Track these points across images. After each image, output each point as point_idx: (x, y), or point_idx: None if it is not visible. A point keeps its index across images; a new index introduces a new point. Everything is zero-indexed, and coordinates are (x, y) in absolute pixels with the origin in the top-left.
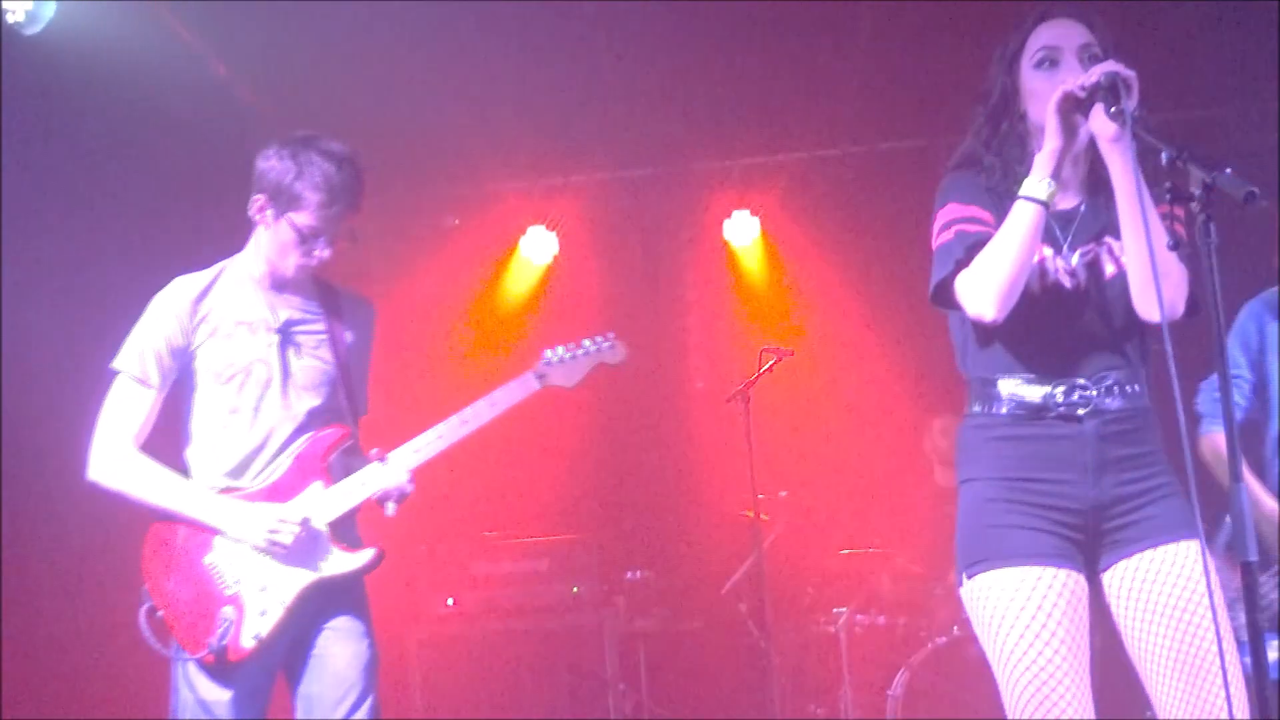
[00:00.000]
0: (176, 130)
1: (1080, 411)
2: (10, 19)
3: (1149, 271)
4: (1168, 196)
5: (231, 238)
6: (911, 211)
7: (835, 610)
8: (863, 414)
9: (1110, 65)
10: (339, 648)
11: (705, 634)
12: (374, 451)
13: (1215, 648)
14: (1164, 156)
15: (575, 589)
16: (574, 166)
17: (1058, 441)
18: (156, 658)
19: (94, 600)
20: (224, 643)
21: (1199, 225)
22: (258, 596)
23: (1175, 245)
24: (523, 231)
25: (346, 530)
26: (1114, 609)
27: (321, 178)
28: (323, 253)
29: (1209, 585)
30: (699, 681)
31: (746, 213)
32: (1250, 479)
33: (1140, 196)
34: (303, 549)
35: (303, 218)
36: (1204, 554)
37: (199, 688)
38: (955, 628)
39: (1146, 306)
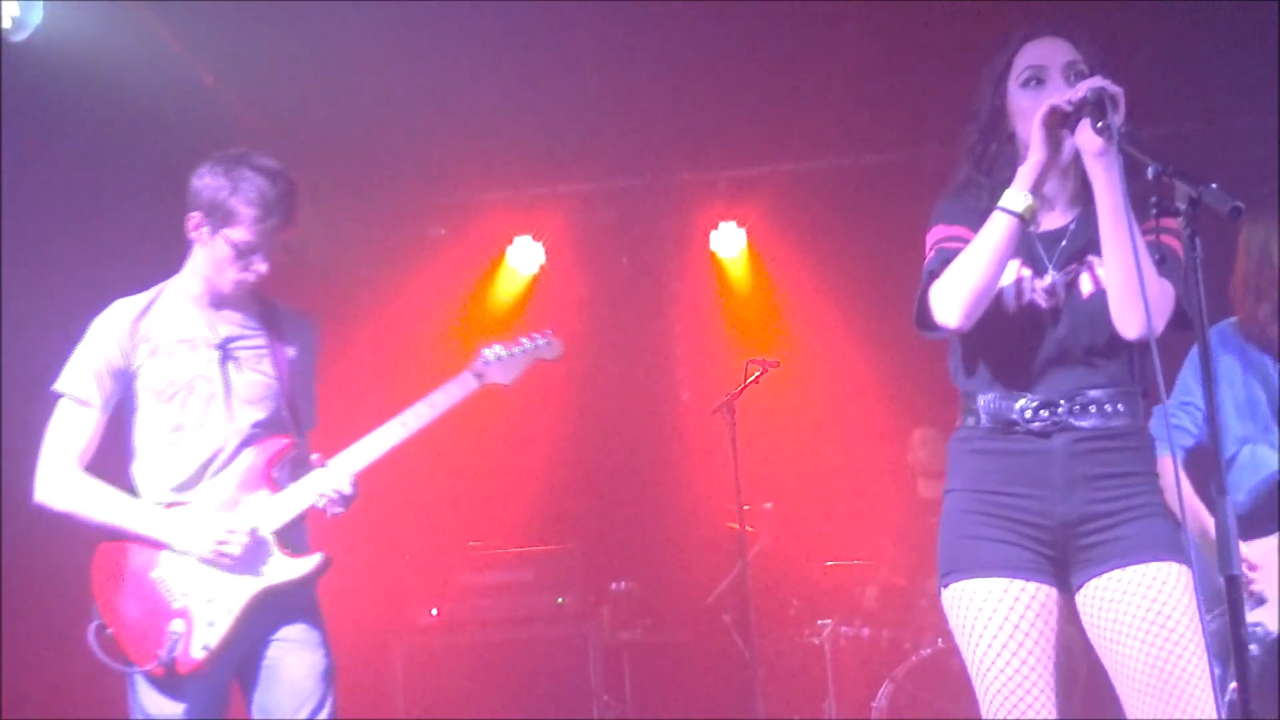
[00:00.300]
0: (164, 137)
1: (1049, 428)
2: None
3: (1127, 288)
4: (1154, 211)
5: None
6: (896, 223)
7: (820, 622)
8: (848, 426)
9: (1097, 81)
10: (294, 658)
11: (690, 645)
12: (315, 457)
13: (1188, 667)
14: (1150, 171)
15: (560, 600)
16: (560, 177)
17: (1026, 457)
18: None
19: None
20: (174, 655)
21: (1184, 240)
22: (205, 608)
23: (1162, 259)
24: (509, 241)
25: (294, 537)
26: (1086, 627)
27: (256, 193)
28: (260, 267)
29: (1199, 606)
30: (683, 693)
31: (733, 224)
32: (1198, 503)
33: (1125, 211)
34: (249, 558)
35: (238, 233)
36: (1193, 574)
37: (152, 703)
38: (940, 640)
39: (1124, 323)
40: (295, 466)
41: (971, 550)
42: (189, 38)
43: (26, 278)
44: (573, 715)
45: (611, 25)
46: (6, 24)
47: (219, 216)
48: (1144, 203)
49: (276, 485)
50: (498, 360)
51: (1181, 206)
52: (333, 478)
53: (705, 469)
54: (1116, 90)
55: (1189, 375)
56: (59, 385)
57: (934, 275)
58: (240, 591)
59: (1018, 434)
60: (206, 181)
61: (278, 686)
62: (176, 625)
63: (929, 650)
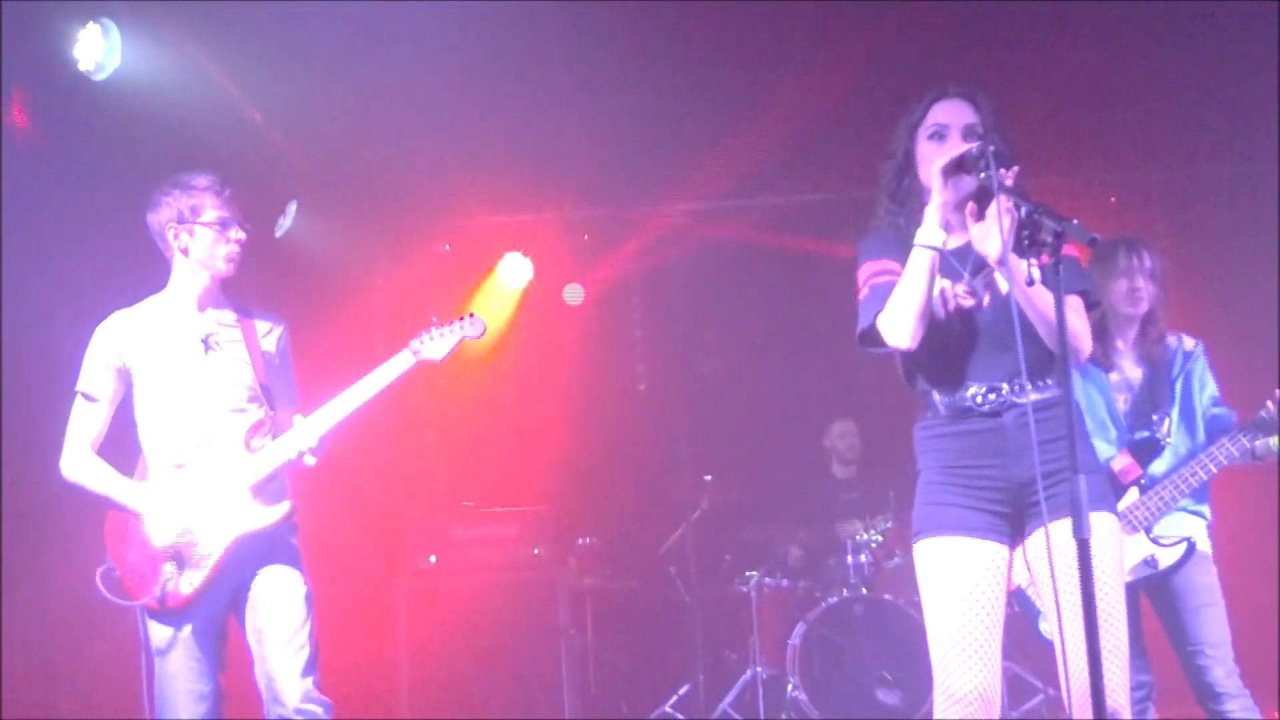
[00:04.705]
0: (217, 166)
1: (999, 408)
2: (81, 66)
3: (1052, 340)
4: (1026, 242)
5: (254, 255)
6: (816, 252)
7: (748, 574)
8: (778, 416)
9: (982, 144)
10: (277, 585)
11: (641, 591)
12: (297, 417)
13: (1108, 598)
14: (1023, 210)
15: (536, 550)
16: (546, 204)
17: (983, 434)
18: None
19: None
20: (166, 591)
21: (1049, 268)
22: (192, 551)
23: (1032, 282)
24: (501, 257)
25: (274, 489)
26: (1030, 566)
27: (205, 181)
28: (238, 234)
29: (1076, 562)
30: (635, 630)
31: (695, 249)
32: None
33: (1026, 297)
34: (228, 509)
35: (211, 213)
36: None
37: (157, 632)
38: (844, 590)
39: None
40: (267, 436)
41: (938, 514)
42: (242, 83)
43: (75, 290)
44: (544, 646)
45: (594, 71)
46: (89, 66)
47: (189, 213)
48: (1021, 235)
49: (252, 450)
50: (430, 340)
51: (1049, 239)
52: (304, 435)
53: (657, 446)
54: (1000, 147)
55: None
56: (78, 385)
57: (879, 313)
58: (221, 538)
59: (973, 417)
60: (165, 202)
61: (266, 607)
62: (168, 568)
63: (835, 599)
